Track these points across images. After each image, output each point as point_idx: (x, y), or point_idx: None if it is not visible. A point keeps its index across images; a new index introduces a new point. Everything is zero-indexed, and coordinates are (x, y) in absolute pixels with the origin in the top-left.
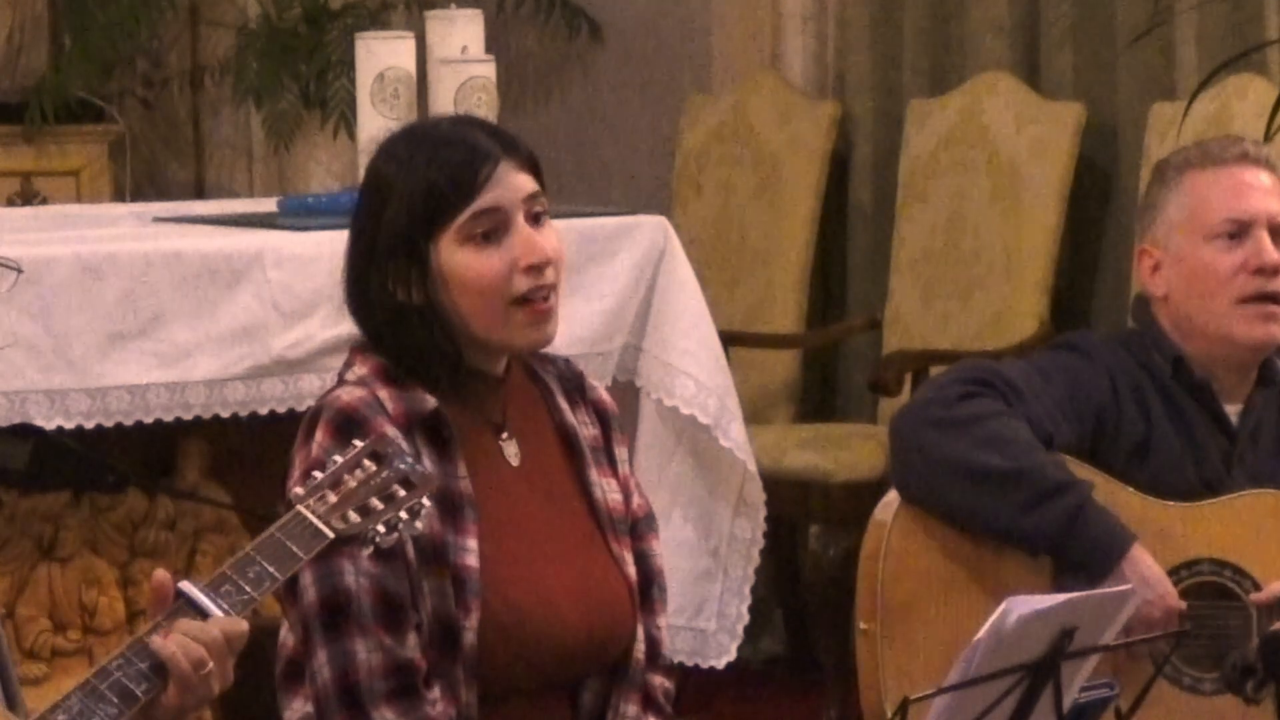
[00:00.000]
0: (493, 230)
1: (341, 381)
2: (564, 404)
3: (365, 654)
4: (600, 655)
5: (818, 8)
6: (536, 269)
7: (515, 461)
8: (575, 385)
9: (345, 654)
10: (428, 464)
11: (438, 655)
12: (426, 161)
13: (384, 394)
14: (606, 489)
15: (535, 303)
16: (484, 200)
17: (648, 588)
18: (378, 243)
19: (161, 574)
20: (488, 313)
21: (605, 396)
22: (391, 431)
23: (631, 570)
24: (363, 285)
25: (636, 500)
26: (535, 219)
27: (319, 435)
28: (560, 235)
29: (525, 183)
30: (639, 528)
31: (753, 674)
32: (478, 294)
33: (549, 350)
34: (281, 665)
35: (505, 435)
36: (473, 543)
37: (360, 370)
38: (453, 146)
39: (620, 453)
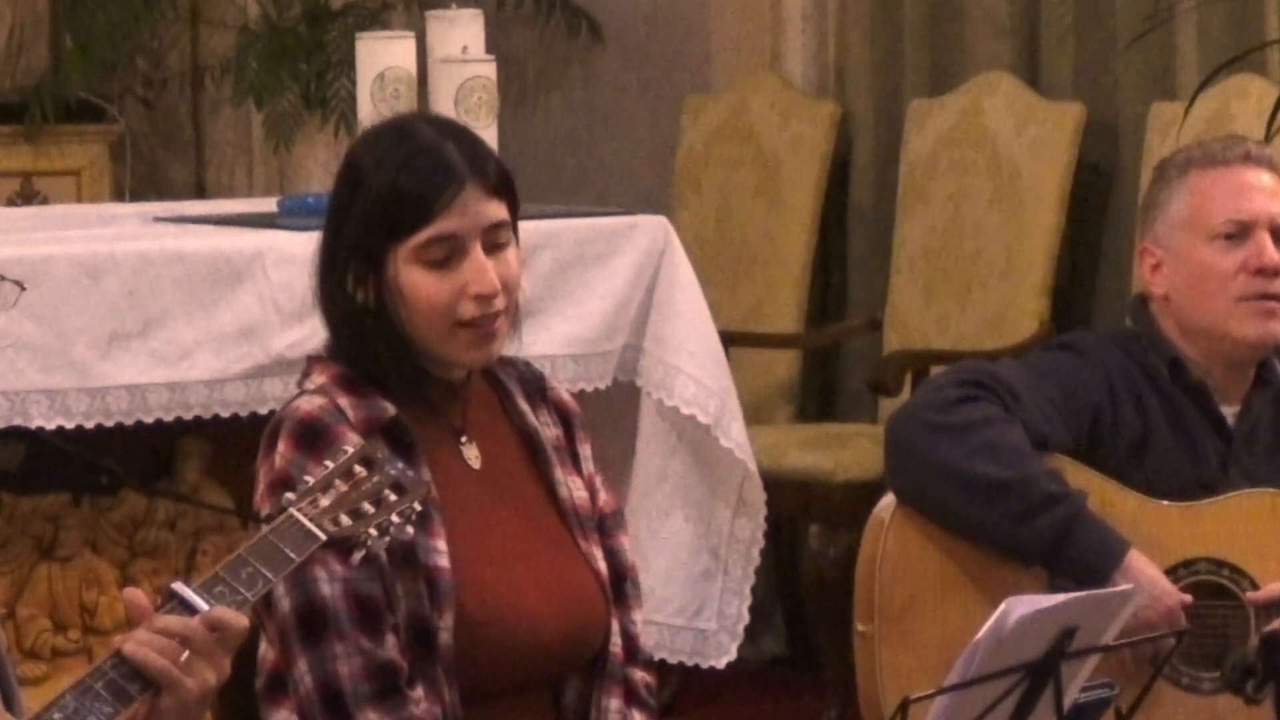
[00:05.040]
0: (446, 257)
1: (301, 391)
2: (524, 405)
3: (345, 658)
4: (576, 652)
5: (818, 8)
6: (485, 298)
7: (476, 465)
8: (536, 387)
9: (325, 660)
10: None
11: (416, 657)
12: (397, 168)
13: (344, 402)
14: (572, 487)
15: (480, 327)
16: (441, 226)
17: (620, 584)
18: (342, 238)
19: (132, 591)
20: (432, 331)
21: (566, 396)
22: (354, 439)
23: (601, 566)
24: (327, 279)
25: (603, 497)
26: (495, 248)
27: (282, 446)
28: (519, 260)
29: (489, 211)
30: (607, 525)
31: (753, 674)
32: (424, 313)
33: (509, 353)
34: (263, 680)
35: (465, 439)
36: (442, 544)
37: (319, 379)
38: (425, 157)
39: (584, 450)
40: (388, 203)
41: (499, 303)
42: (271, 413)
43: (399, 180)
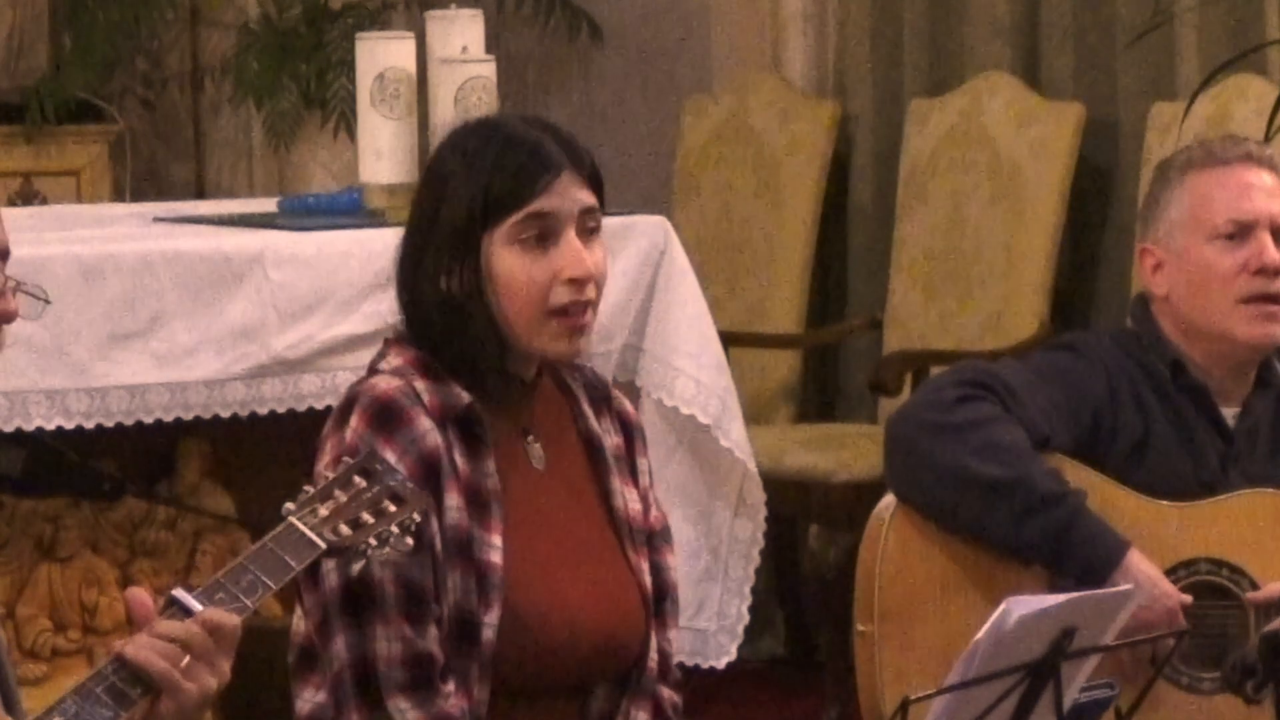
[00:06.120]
0: (542, 235)
1: (375, 371)
2: (589, 411)
3: (385, 643)
4: (611, 662)
5: (818, 8)
6: (578, 283)
7: (540, 465)
8: (601, 395)
9: (365, 641)
10: (459, 459)
11: (455, 650)
12: (492, 161)
13: (421, 385)
14: (627, 498)
15: (572, 316)
16: (539, 205)
17: (661, 600)
18: (433, 233)
19: (135, 591)
20: (524, 317)
21: (630, 408)
22: (427, 424)
23: (647, 580)
24: (413, 271)
25: (654, 513)
26: (587, 233)
27: (354, 422)
28: (607, 254)
29: (584, 196)
30: (655, 540)
31: (753, 674)
32: (518, 297)
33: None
34: (294, 655)
35: (531, 438)
36: (498, 539)
37: (395, 361)
38: (520, 148)
39: (642, 464)
40: (484, 193)
41: (591, 290)
42: (272, 413)
43: (494, 172)
